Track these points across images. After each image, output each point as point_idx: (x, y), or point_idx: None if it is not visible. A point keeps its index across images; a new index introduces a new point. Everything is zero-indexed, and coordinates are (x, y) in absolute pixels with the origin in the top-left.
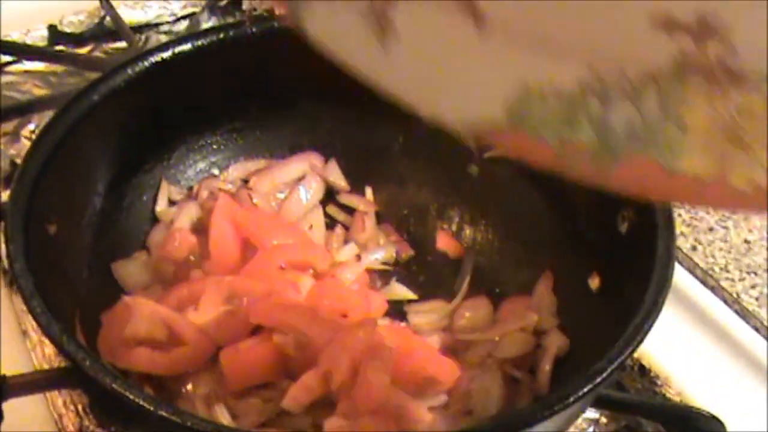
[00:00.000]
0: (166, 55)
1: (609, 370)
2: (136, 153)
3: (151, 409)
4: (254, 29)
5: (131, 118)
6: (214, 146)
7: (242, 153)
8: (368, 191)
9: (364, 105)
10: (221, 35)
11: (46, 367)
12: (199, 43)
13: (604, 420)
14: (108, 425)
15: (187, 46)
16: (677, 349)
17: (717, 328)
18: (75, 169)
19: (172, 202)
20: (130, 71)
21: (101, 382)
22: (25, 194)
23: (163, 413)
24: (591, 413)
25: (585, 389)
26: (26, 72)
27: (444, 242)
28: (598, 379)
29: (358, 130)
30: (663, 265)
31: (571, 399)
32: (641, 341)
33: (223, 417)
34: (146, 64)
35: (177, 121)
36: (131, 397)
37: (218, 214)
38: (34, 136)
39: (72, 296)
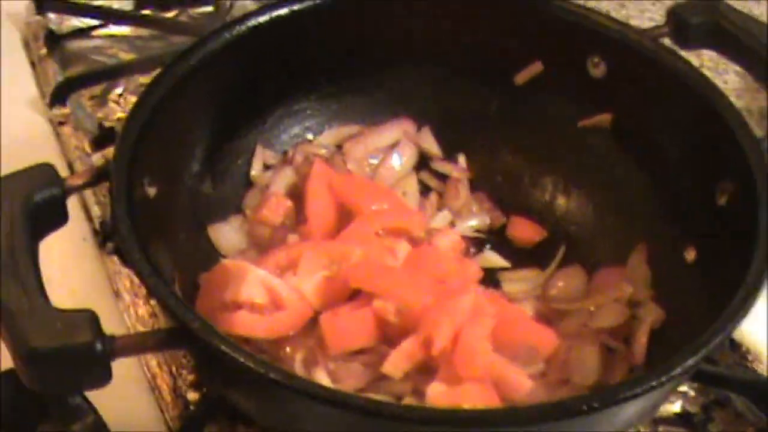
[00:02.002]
0: (263, 19)
1: (710, 347)
2: (232, 117)
3: (261, 371)
4: None
5: (228, 82)
6: (309, 111)
7: (336, 118)
8: (461, 158)
9: (459, 71)
10: (318, 0)
11: (139, 328)
12: (296, 7)
13: (692, 393)
14: (213, 388)
15: (284, 11)
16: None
17: None
18: (173, 132)
19: (266, 167)
20: (227, 35)
21: (210, 343)
22: (127, 155)
23: (272, 375)
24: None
25: (685, 365)
26: (112, 36)
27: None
28: (698, 356)
29: (452, 96)
30: (765, 241)
31: (669, 376)
32: (743, 318)
33: (323, 380)
34: (243, 28)
35: (272, 86)
36: (241, 358)
37: (314, 179)
38: (121, 100)
39: (171, 259)
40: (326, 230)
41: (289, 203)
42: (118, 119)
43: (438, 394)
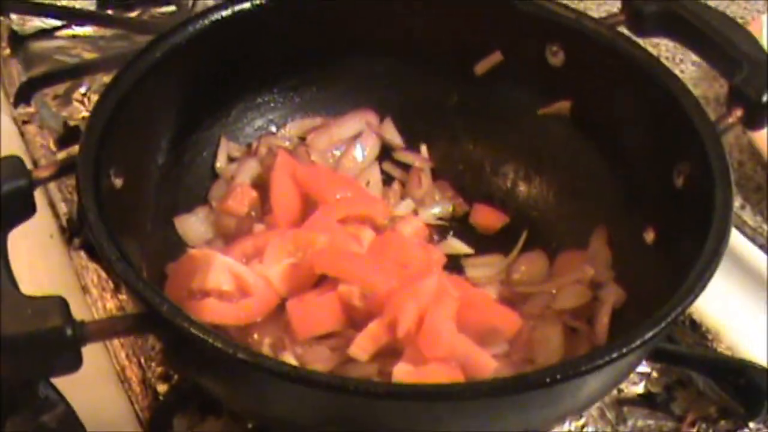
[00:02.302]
0: (226, 13)
1: (668, 320)
2: (196, 110)
3: (229, 351)
4: None
5: (191, 76)
6: (272, 104)
7: (299, 110)
8: (423, 148)
9: (419, 62)
10: None
11: None
12: (258, 1)
13: (655, 374)
14: (181, 372)
15: (246, 5)
16: (728, 305)
17: (765, 285)
18: (138, 125)
19: (231, 159)
20: (190, 29)
21: (179, 325)
22: (93, 147)
23: (240, 355)
24: (642, 367)
25: (644, 338)
26: (75, 36)
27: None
28: (657, 329)
29: (413, 87)
30: (720, 218)
31: (629, 348)
32: (699, 293)
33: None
34: (206, 22)
35: (235, 79)
36: (210, 339)
37: (279, 170)
38: (85, 99)
39: (138, 249)
40: (291, 219)
41: (254, 194)
42: (83, 118)
43: (404, 375)
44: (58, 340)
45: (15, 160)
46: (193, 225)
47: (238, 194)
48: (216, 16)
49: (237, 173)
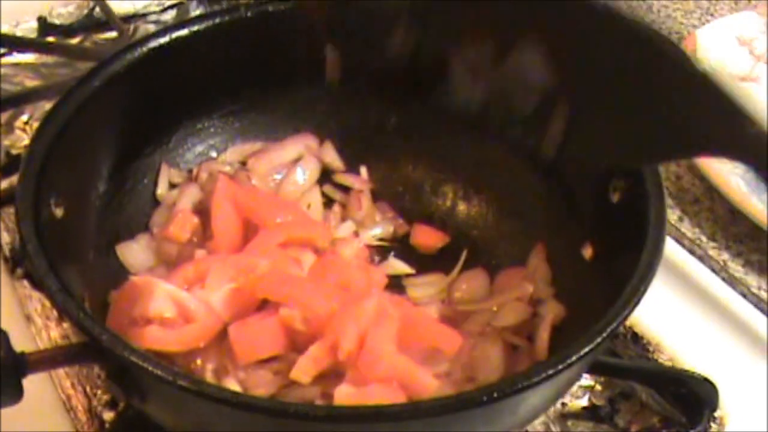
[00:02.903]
0: (164, 40)
1: (606, 333)
2: (136, 137)
3: (170, 379)
4: (249, 13)
5: (131, 103)
6: (212, 129)
7: (239, 135)
8: (363, 170)
9: (356, 87)
10: (217, 20)
11: None
12: (195, 28)
13: (598, 387)
14: (126, 400)
15: (183, 32)
16: (668, 316)
17: (706, 296)
18: (79, 153)
19: (172, 185)
20: (129, 56)
21: (120, 355)
22: (33, 176)
23: (181, 382)
24: (586, 380)
25: (582, 352)
26: (17, 64)
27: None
28: (594, 344)
29: (352, 111)
30: (655, 232)
31: (568, 362)
32: (636, 305)
33: (234, 389)
34: (144, 49)
35: (175, 105)
36: (149, 368)
37: (219, 195)
38: (27, 127)
39: (80, 278)
40: (233, 244)
41: (195, 220)
42: (25, 146)
43: (345, 396)
44: None
45: None
46: (134, 252)
47: (180, 220)
48: (154, 43)
49: (178, 199)
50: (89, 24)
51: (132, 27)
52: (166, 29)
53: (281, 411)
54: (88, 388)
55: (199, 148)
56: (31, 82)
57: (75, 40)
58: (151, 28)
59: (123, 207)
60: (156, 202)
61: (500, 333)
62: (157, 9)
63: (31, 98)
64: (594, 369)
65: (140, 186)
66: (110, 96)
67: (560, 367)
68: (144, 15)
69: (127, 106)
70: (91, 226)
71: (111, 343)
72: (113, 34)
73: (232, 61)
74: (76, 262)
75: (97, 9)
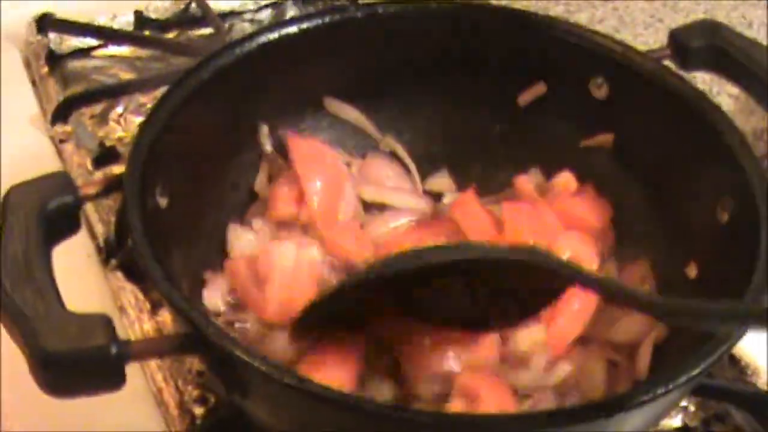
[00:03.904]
0: (272, 36)
1: (715, 357)
2: (239, 132)
3: (275, 375)
4: (359, 13)
5: (236, 98)
6: (316, 130)
7: (346, 136)
8: None
9: (462, 94)
10: (327, 18)
11: None
12: (305, 26)
13: (692, 408)
14: (227, 394)
15: (292, 29)
16: (767, 340)
17: None
18: (184, 145)
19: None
20: (237, 51)
21: (224, 348)
22: (140, 165)
23: (288, 380)
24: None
25: (689, 374)
26: (112, 56)
27: None
28: (703, 365)
29: (458, 118)
30: (766, 255)
31: (675, 384)
32: (746, 331)
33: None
34: (254, 44)
35: (279, 102)
36: (254, 363)
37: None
38: (121, 119)
39: (181, 267)
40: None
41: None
42: (119, 138)
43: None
44: (103, 358)
45: (62, 176)
46: (243, 236)
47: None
48: (262, 39)
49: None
50: (185, 19)
51: (228, 24)
52: (274, 25)
53: (395, 415)
54: (179, 383)
55: None
56: (126, 75)
57: (170, 35)
58: (247, 26)
59: (224, 200)
60: (255, 197)
61: (603, 349)
62: (254, 7)
63: (125, 91)
64: (693, 390)
65: (242, 180)
66: (217, 89)
67: (670, 386)
68: (240, 13)
69: (232, 101)
70: (194, 217)
71: (216, 335)
72: (209, 30)
73: (337, 61)
74: (175, 251)
75: (194, 5)
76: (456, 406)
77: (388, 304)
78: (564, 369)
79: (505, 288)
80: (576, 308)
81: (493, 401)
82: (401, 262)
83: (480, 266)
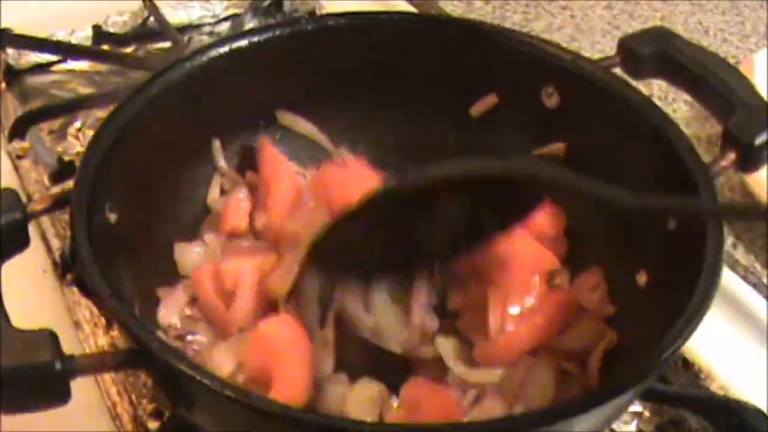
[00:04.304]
0: (223, 50)
1: (659, 361)
2: (190, 147)
3: (217, 388)
4: (309, 26)
5: (187, 113)
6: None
7: (298, 150)
8: None
9: (416, 105)
10: (277, 32)
11: None
12: (255, 39)
13: (647, 414)
14: (173, 408)
15: (243, 43)
16: (720, 344)
17: (759, 324)
18: (134, 160)
19: (223, 193)
20: (188, 66)
21: (168, 362)
22: (88, 182)
23: (229, 393)
24: (634, 407)
25: (636, 380)
26: (71, 71)
27: None
28: (649, 370)
29: (411, 131)
30: (711, 261)
31: (622, 389)
32: (691, 334)
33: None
34: (204, 59)
35: (230, 117)
36: (197, 376)
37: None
38: (80, 134)
39: (129, 280)
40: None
41: (247, 204)
42: (77, 153)
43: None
44: (48, 373)
45: (10, 193)
46: (189, 253)
47: (233, 206)
48: (213, 53)
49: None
50: (144, 33)
51: (186, 38)
52: (225, 39)
53: (331, 427)
54: (134, 397)
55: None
56: (85, 90)
57: (129, 49)
58: (206, 39)
59: (176, 214)
60: (207, 211)
61: (554, 356)
62: (212, 21)
63: (83, 105)
64: (645, 395)
65: (194, 194)
66: (167, 105)
67: (612, 394)
68: (198, 26)
69: (184, 116)
70: (145, 233)
71: (160, 350)
72: (167, 44)
73: (290, 74)
74: (126, 266)
75: (152, 19)
76: (398, 416)
77: (396, 229)
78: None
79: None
80: (527, 322)
81: (437, 408)
82: (417, 176)
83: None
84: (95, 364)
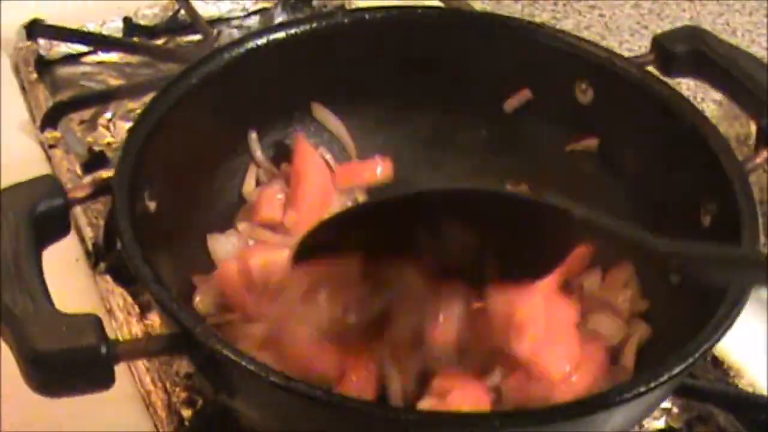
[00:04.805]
0: (260, 41)
1: (696, 356)
2: (227, 137)
3: (261, 374)
4: (346, 19)
5: (224, 103)
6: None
7: (331, 141)
8: None
9: (450, 98)
10: (314, 24)
11: None
12: (293, 31)
13: (675, 410)
14: (214, 394)
15: (280, 34)
16: (750, 342)
17: None
18: (172, 149)
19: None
20: (226, 56)
21: (211, 347)
22: (129, 169)
23: (274, 379)
24: (663, 402)
25: (671, 373)
26: (101, 63)
27: None
28: (685, 364)
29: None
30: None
31: (657, 382)
32: (726, 331)
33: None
34: (241, 50)
35: (266, 108)
36: (241, 362)
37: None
38: (110, 125)
39: (170, 268)
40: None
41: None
42: (108, 144)
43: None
44: (92, 357)
45: (50, 180)
46: (222, 245)
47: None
48: (250, 44)
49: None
50: (174, 26)
51: (216, 31)
52: (263, 31)
53: (377, 414)
54: (168, 385)
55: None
56: (115, 81)
57: (159, 42)
58: (235, 32)
59: (212, 204)
60: (242, 201)
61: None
62: (241, 14)
63: (114, 97)
64: (677, 391)
65: (229, 184)
66: (205, 95)
67: (652, 385)
68: (228, 19)
69: (221, 106)
70: (182, 221)
71: (203, 335)
72: (197, 36)
73: (325, 66)
74: (164, 254)
75: (183, 11)
76: (429, 403)
77: (391, 238)
78: None
79: (512, 236)
80: None
81: (467, 398)
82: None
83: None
84: (140, 349)
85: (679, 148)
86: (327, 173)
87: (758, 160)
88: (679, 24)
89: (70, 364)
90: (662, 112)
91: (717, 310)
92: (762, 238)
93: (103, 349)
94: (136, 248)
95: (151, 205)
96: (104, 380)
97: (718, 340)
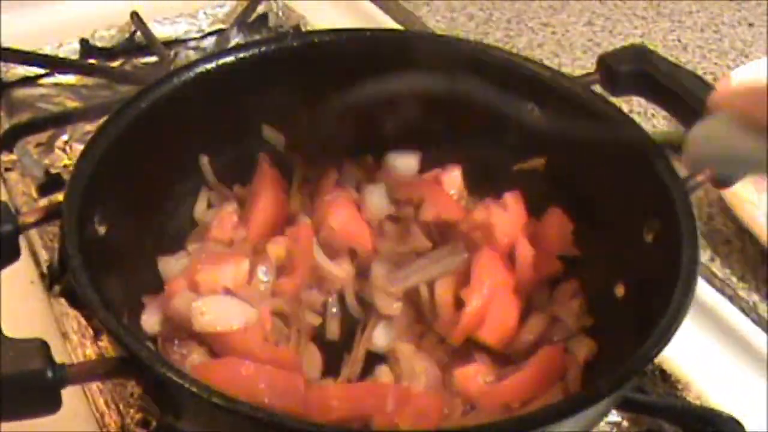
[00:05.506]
0: (210, 66)
1: (637, 370)
2: (179, 160)
3: (205, 395)
4: (295, 42)
5: (175, 126)
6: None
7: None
8: None
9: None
10: (263, 48)
11: None
12: (241, 55)
13: (625, 424)
14: (161, 416)
15: (229, 58)
16: (697, 355)
17: (734, 335)
18: (123, 173)
19: (210, 207)
20: (176, 80)
21: (157, 370)
22: (79, 194)
23: (216, 400)
24: (613, 416)
25: (613, 388)
26: (58, 84)
27: None
28: (624, 379)
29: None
30: (687, 274)
31: (599, 396)
32: (666, 344)
33: None
34: (191, 74)
35: (218, 130)
36: (185, 384)
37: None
38: (67, 147)
39: (117, 290)
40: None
41: (235, 218)
42: (64, 166)
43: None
44: (39, 382)
45: (1, 206)
46: (173, 266)
47: (221, 219)
48: (200, 68)
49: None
50: (130, 48)
51: (173, 52)
52: (213, 55)
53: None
54: (121, 406)
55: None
56: (72, 103)
57: (116, 63)
58: (191, 53)
59: (164, 227)
60: (193, 224)
61: None
62: (197, 35)
63: (71, 119)
64: (622, 405)
65: (181, 207)
66: (156, 118)
67: (591, 401)
68: (184, 41)
69: (172, 129)
70: (133, 244)
71: (148, 358)
72: (154, 58)
73: (276, 88)
74: (115, 277)
75: (139, 33)
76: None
77: None
78: None
79: None
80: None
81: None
82: None
83: None
84: (86, 373)
85: (622, 168)
86: (283, 195)
87: (700, 178)
88: (631, 41)
89: (17, 388)
90: (606, 132)
91: (657, 325)
92: (705, 254)
93: (49, 374)
94: (83, 273)
95: (101, 229)
96: (51, 404)
97: (655, 356)
